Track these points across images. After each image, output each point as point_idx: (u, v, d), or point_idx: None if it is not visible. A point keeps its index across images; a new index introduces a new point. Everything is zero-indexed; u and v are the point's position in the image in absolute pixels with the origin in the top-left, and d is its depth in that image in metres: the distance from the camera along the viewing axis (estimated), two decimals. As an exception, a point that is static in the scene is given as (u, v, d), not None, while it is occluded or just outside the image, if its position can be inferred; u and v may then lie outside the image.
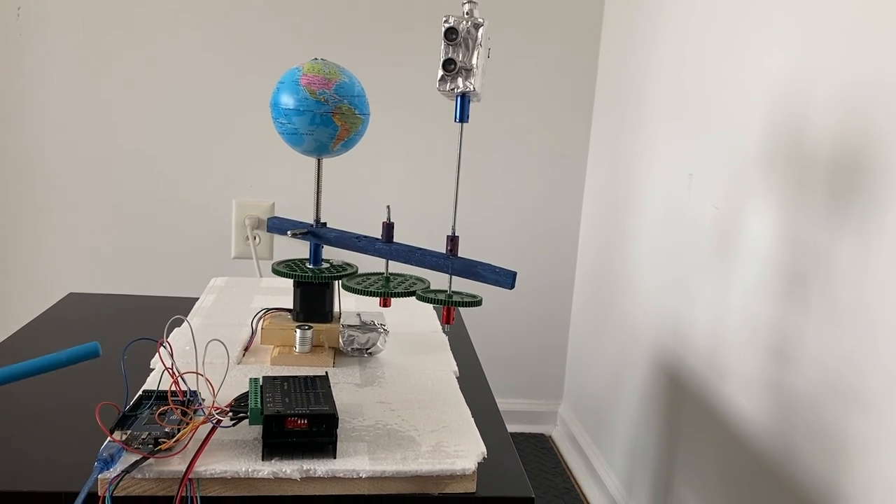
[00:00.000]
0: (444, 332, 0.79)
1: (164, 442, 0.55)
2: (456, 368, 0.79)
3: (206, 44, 1.55)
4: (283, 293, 0.96)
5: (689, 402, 1.17)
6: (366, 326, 0.80)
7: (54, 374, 0.75)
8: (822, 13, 0.89)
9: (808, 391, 0.88)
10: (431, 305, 0.96)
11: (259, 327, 0.80)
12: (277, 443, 0.57)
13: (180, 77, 1.56)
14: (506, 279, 0.69)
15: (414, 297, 0.74)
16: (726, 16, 1.11)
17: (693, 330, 1.16)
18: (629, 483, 1.37)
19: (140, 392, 0.65)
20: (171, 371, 0.61)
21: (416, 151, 1.64)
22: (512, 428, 1.75)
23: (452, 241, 0.72)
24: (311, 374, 0.73)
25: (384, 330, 0.80)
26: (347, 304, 0.92)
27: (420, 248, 0.74)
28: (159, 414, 0.59)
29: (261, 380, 0.63)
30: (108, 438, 0.55)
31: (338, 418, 0.58)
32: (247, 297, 0.99)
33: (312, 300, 0.79)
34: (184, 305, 0.97)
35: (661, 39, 1.34)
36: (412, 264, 0.73)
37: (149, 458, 0.55)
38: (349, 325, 0.79)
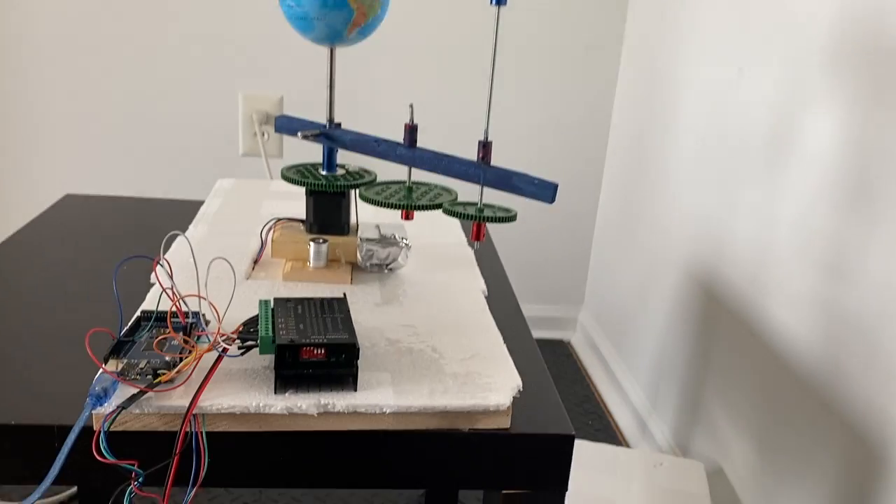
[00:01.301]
0: (472, 248, 0.72)
1: (164, 373, 0.50)
2: (484, 286, 0.73)
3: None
4: (295, 198, 0.88)
5: (725, 316, 1.11)
6: (386, 240, 0.72)
7: (42, 293, 0.69)
8: None
9: (865, 312, 0.81)
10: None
11: (269, 239, 0.73)
12: (291, 374, 0.51)
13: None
14: (545, 192, 0.61)
15: (439, 210, 0.66)
16: None
17: (735, 240, 1.08)
18: (654, 396, 1.33)
19: (138, 313, 0.59)
20: (170, 294, 0.54)
21: (442, 41, 1.52)
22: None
23: (485, 147, 0.63)
24: (328, 295, 0.67)
25: (406, 244, 0.73)
26: (365, 214, 0.83)
27: (447, 155, 0.65)
28: (158, 342, 0.53)
29: (272, 302, 0.57)
30: (101, 370, 0.49)
31: (359, 348, 0.52)
32: (255, 201, 0.92)
33: (327, 211, 0.71)
34: (188, 209, 0.90)
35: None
36: (438, 173, 0.65)
37: (147, 391, 0.49)
38: (368, 239, 0.72)
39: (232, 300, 0.59)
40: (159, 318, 0.57)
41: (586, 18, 1.54)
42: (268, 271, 0.71)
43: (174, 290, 0.54)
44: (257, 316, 0.55)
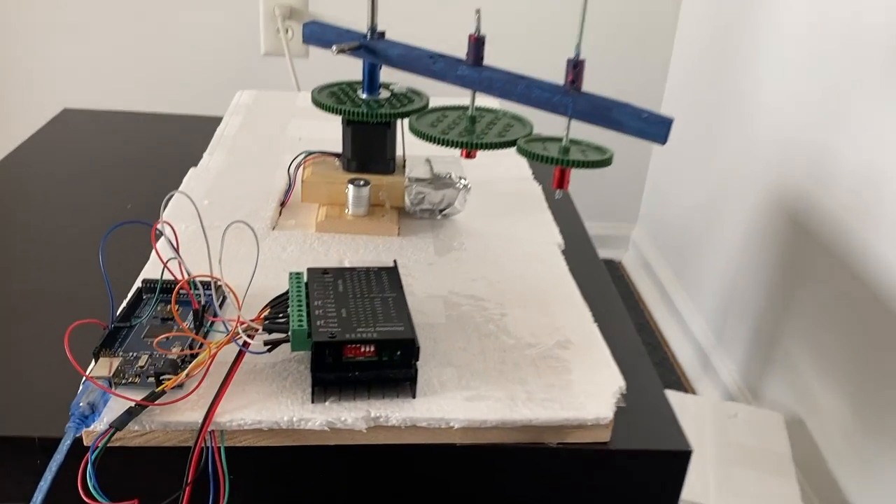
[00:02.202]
0: (556, 196, 0.58)
1: (168, 379, 0.38)
2: (560, 238, 0.59)
3: None
4: (328, 117, 0.72)
5: (817, 248, 0.97)
6: (439, 180, 0.59)
7: (20, 263, 0.57)
8: None
9: None
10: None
11: (299, 178, 0.60)
12: (333, 378, 0.40)
13: None
14: (656, 129, 0.47)
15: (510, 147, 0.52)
16: None
17: (837, 163, 0.93)
18: (719, 329, 1.21)
19: (138, 283, 0.47)
20: (176, 272, 0.42)
21: None
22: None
23: (576, 67, 0.49)
24: (370, 250, 0.54)
25: (464, 185, 0.59)
26: (414, 147, 0.68)
27: (524, 77, 0.51)
28: (160, 341, 0.41)
29: (305, 275, 0.44)
30: (85, 378, 0.38)
31: (418, 346, 0.40)
32: (281, 120, 0.78)
33: (368, 144, 0.58)
34: (201, 128, 0.77)
35: None
36: (512, 100, 0.51)
37: (148, 405, 0.38)
38: (418, 179, 0.59)
39: (256, 267, 0.47)
40: (165, 291, 0.45)
41: None
42: (298, 218, 0.59)
43: (180, 264, 0.42)
44: (286, 294, 0.43)
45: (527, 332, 0.47)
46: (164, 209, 0.41)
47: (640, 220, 1.59)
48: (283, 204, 0.60)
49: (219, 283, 0.43)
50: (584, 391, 0.42)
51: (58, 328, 0.38)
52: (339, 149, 0.60)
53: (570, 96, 0.49)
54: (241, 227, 0.55)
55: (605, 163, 0.50)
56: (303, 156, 0.60)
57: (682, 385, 1.24)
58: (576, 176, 0.51)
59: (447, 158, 0.62)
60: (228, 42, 1.37)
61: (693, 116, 1.35)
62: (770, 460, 0.88)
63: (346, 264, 0.53)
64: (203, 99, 1.36)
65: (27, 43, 1.36)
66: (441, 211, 0.60)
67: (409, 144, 0.61)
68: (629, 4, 1.40)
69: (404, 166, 0.60)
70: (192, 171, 0.65)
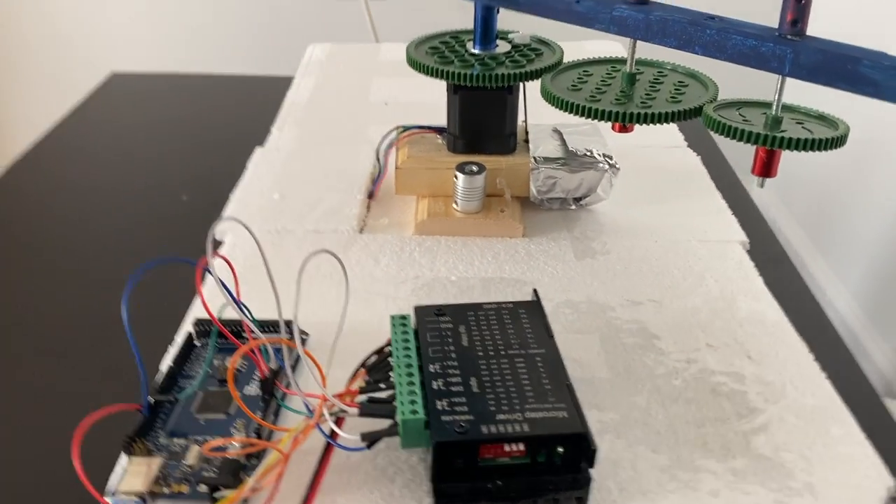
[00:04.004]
0: (757, 185, 0.42)
1: (222, 497, 0.26)
2: (743, 235, 0.44)
3: None
4: (421, 76, 0.56)
5: None
6: (575, 159, 0.44)
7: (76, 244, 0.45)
8: None
9: None
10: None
11: (391, 161, 0.46)
12: (464, 491, 0.27)
13: None
14: (935, 91, 0.31)
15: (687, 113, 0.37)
16: None
17: None
18: (870, 307, 1.03)
19: (188, 328, 0.34)
20: (234, 332, 0.29)
21: None
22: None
23: (799, 2, 0.33)
24: (489, 260, 0.40)
25: (610, 164, 0.44)
26: (537, 112, 0.51)
27: (715, 17, 0.35)
28: (211, 448, 0.28)
29: (412, 320, 0.31)
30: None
31: (595, 447, 0.26)
32: (363, 80, 0.64)
33: (483, 116, 0.43)
34: (267, 91, 0.64)
35: None
36: (697, 52, 0.35)
37: (197, 540, 0.25)
38: (547, 159, 0.44)
39: (346, 297, 0.33)
40: (221, 336, 0.33)
41: None
42: (391, 215, 0.45)
43: (243, 310, 0.29)
44: (388, 347, 0.30)
45: (731, 387, 0.33)
46: (212, 243, 0.28)
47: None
48: (371, 196, 0.47)
49: (294, 338, 0.30)
50: (827, 493, 0.28)
51: (73, 411, 0.26)
52: (439, 119, 0.45)
53: (788, 44, 0.33)
54: (322, 233, 0.42)
55: (840, 141, 0.34)
56: (396, 133, 0.46)
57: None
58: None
59: (583, 128, 0.47)
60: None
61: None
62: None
63: (454, 279, 0.39)
64: (269, 54, 1.23)
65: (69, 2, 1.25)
66: (577, 200, 0.46)
67: (532, 111, 0.46)
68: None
69: (527, 141, 0.46)
70: (258, 151, 0.52)
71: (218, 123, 0.64)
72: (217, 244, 0.41)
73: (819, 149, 0.34)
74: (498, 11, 0.42)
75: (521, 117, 0.46)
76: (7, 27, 1.26)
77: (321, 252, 0.28)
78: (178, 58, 1.28)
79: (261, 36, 1.26)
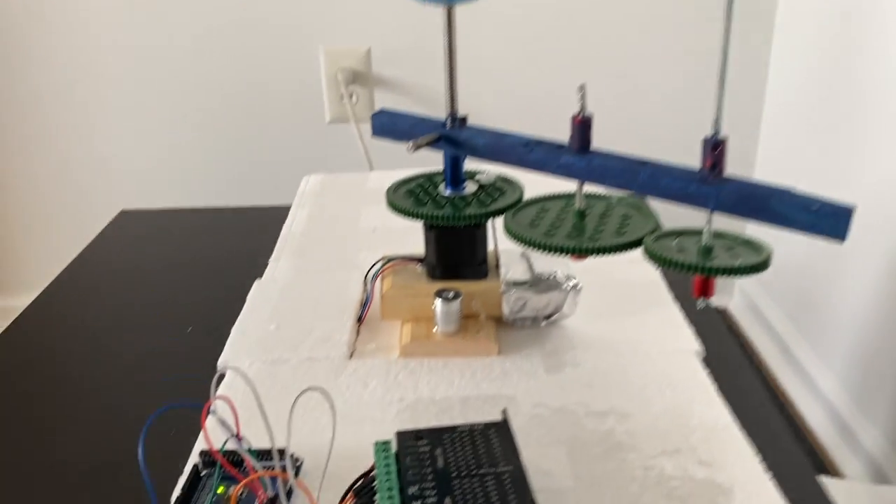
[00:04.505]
0: (698, 306, 0.48)
1: None
2: (696, 344, 0.49)
3: None
4: None
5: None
6: (542, 281, 0.49)
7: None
8: None
9: None
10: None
11: (377, 291, 0.51)
12: None
13: None
14: (834, 224, 0.36)
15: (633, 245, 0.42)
16: None
17: None
18: (858, 390, 1.06)
19: (194, 459, 0.38)
20: (235, 462, 0.33)
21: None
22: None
23: (715, 148, 0.38)
24: (467, 377, 0.44)
25: (572, 285, 0.49)
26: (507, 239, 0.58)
27: (647, 163, 0.41)
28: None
29: (393, 446, 0.35)
30: None
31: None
32: (352, 210, 0.70)
33: (456, 248, 0.49)
34: (267, 222, 0.69)
35: None
36: (633, 191, 0.41)
37: None
38: (517, 283, 0.49)
39: (336, 427, 0.38)
40: (226, 470, 0.36)
41: None
42: (379, 339, 0.50)
43: (242, 445, 0.33)
44: (373, 470, 0.34)
45: (684, 491, 0.36)
46: (216, 388, 0.32)
47: (744, 263, 1.44)
48: (360, 321, 0.52)
49: (287, 466, 0.34)
50: None
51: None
52: (420, 243, 0.51)
53: (711, 185, 0.38)
54: (315, 364, 0.47)
55: (763, 266, 0.39)
56: (381, 263, 0.52)
57: (818, 455, 1.09)
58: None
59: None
60: (295, 107, 1.32)
61: (793, 150, 1.22)
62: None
63: (437, 398, 0.43)
64: (271, 183, 1.31)
65: (81, 143, 1.34)
66: (547, 316, 0.50)
67: (501, 238, 0.51)
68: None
69: (498, 266, 0.51)
70: (256, 284, 0.57)
71: (221, 256, 0.70)
72: (221, 377, 0.45)
73: (743, 274, 0.39)
74: (465, 158, 0.48)
75: (491, 245, 0.51)
76: (18, 168, 1.35)
77: (309, 390, 0.32)
78: (185, 192, 1.36)
79: (263, 166, 1.34)
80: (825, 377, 1.14)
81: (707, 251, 0.40)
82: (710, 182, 0.38)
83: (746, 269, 0.38)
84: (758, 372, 1.28)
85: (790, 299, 1.27)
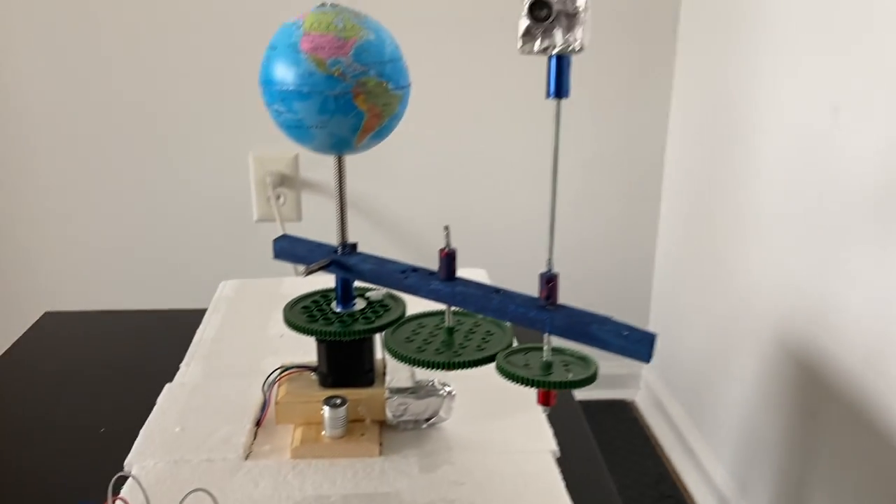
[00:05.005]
0: (542, 413, 0.56)
1: None
2: (554, 446, 0.56)
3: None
4: None
5: (831, 397, 0.92)
6: (422, 388, 0.56)
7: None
8: None
9: None
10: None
11: (273, 397, 0.57)
12: None
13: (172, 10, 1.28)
14: (639, 347, 0.44)
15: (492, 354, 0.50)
16: None
17: (842, 312, 0.90)
18: (742, 478, 1.14)
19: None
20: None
21: (484, 129, 1.36)
22: (586, 394, 1.54)
23: (549, 282, 0.47)
24: (349, 476, 0.50)
25: (447, 392, 0.56)
26: None
27: (499, 291, 0.49)
28: None
29: (269, 539, 0.41)
30: None
31: None
32: (263, 316, 0.76)
33: (345, 360, 0.55)
34: (184, 325, 0.74)
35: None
36: (488, 315, 0.49)
37: None
38: (399, 389, 0.56)
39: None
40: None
41: (633, 47, 1.36)
42: (274, 441, 0.55)
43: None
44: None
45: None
46: (113, 490, 0.38)
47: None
48: (258, 424, 0.57)
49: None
50: None
51: None
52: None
53: (547, 312, 0.46)
54: (213, 465, 0.52)
55: (590, 380, 0.47)
56: (278, 371, 0.58)
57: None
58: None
59: (430, 362, 0.59)
60: (223, 207, 1.38)
61: (687, 256, 1.34)
62: None
63: (320, 496, 0.49)
64: (199, 282, 1.36)
65: (5, 243, 1.37)
66: (427, 420, 0.57)
67: (388, 351, 0.58)
68: (616, 145, 1.42)
69: (385, 374, 0.58)
70: (167, 388, 0.62)
71: (141, 358, 0.74)
72: (124, 478, 0.50)
73: (575, 387, 0.46)
74: (353, 280, 0.55)
75: (379, 354, 0.58)
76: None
77: (195, 491, 0.38)
78: (113, 293, 1.40)
79: (190, 266, 1.39)
80: (715, 466, 1.22)
81: (547, 366, 0.48)
82: (546, 309, 0.46)
83: (577, 382, 0.46)
84: (658, 460, 1.36)
85: (687, 392, 1.36)
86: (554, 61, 0.41)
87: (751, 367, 1.12)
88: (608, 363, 1.65)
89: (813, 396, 0.96)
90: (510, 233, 1.44)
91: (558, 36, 0.40)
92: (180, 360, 0.67)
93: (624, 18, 1.35)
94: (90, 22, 1.28)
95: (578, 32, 0.39)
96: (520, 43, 0.40)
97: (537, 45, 0.40)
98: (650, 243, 1.49)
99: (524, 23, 0.39)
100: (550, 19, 0.38)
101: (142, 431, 0.56)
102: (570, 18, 0.39)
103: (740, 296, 1.15)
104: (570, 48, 0.40)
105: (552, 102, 0.43)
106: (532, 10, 0.39)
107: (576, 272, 1.46)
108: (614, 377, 1.56)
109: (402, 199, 1.41)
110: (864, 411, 0.86)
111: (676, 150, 1.39)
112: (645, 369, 1.56)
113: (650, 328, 1.29)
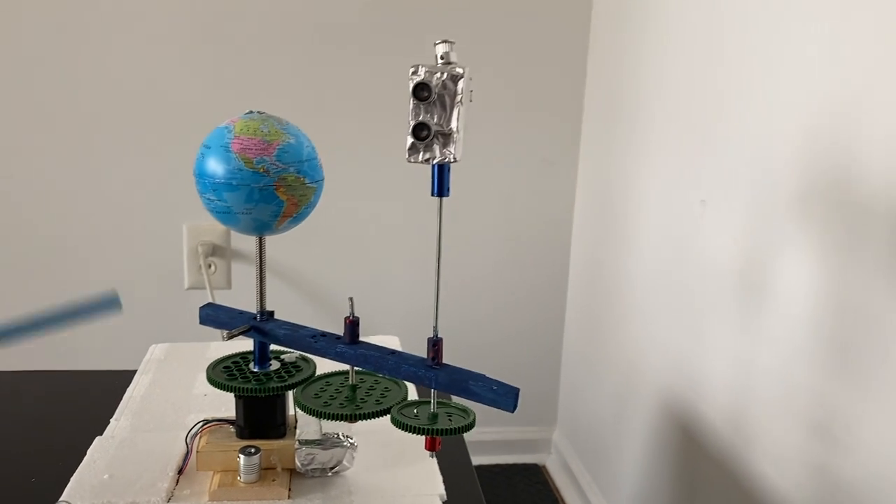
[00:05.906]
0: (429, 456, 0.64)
1: None
2: (442, 490, 0.64)
3: (149, 38, 1.36)
4: None
5: (706, 460, 1.03)
6: (328, 440, 0.64)
7: None
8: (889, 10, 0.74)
9: (863, 480, 0.74)
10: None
11: (195, 447, 0.64)
12: None
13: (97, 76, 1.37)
14: (506, 400, 0.54)
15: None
16: (754, 8, 0.95)
17: (709, 381, 1.02)
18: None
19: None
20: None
21: (386, 214, 1.48)
22: (501, 459, 1.62)
23: (435, 346, 0.56)
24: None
25: (351, 443, 0.64)
26: None
27: (394, 353, 0.58)
28: None
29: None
30: None
31: None
32: (189, 377, 0.83)
33: (260, 414, 0.63)
34: (116, 386, 0.80)
35: (666, 36, 1.18)
36: (383, 374, 0.58)
37: None
38: (307, 441, 0.63)
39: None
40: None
41: (540, 133, 1.51)
42: (193, 486, 0.62)
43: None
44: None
45: None
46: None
47: (559, 422, 1.64)
48: (181, 472, 0.64)
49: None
50: None
51: None
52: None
53: (433, 370, 0.56)
54: (137, 502, 0.58)
55: (468, 427, 0.56)
56: (200, 424, 0.65)
57: None
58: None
59: (337, 416, 0.67)
60: (156, 274, 1.44)
61: (590, 323, 1.46)
62: None
63: (236, 536, 0.56)
64: (129, 344, 1.40)
65: None
66: (332, 468, 0.64)
67: (301, 406, 0.66)
68: (527, 217, 1.55)
69: (295, 427, 0.65)
70: (97, 440, 0.68)
71: (73, 414, 0.79)
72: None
73: (456, 434, 0.55)
74: (269, 344, 0.63)
75: (292, 409, 0.65)
76: None
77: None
78: (50, 353, 1.42)
79: (122, 328, 1.44)
80: (615, 526, 1.31)
81: (434, 417, 0.56)
82: (433, 368, 0.56)
83: (457, 430, 0.55)
84: (565, 523, 1.44)
85: (590, 455, 1.46)
86: (436, 168, 0.52)
87: (642, 429, 1.23)
88: (522, 428, 1.74)
89: (691, 454, 1.07)
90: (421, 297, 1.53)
91: (437, 150, 0.50)
92: (111, 416, 0.73)
93: (534, 108, 1.50)
94: (31, 87, 1.35)
95: (452, 147, 0.50)
96: (407, 155, 0.50)
97: (420, 156, 0.50)
98: (559, 312, 1.61)
99: (409, 140, 0.50)
100: (429, 138, 0.49)
101: (73, 478, 0.62)
102: (446, 137, 0.50)
103: (631, 363, 1.27)
104: (447, 159, 0.50)
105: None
106: (416, 92, 0.49)
107: (492, 335, 1.56)
108: (527, 442, 1.65)
109: (319, 269, 1.50)
110: (732, 471, 0.97)
111: (580, 225, 1.53)
112: (556, 433, 1.65)
113: (560, 394, 1.40)
